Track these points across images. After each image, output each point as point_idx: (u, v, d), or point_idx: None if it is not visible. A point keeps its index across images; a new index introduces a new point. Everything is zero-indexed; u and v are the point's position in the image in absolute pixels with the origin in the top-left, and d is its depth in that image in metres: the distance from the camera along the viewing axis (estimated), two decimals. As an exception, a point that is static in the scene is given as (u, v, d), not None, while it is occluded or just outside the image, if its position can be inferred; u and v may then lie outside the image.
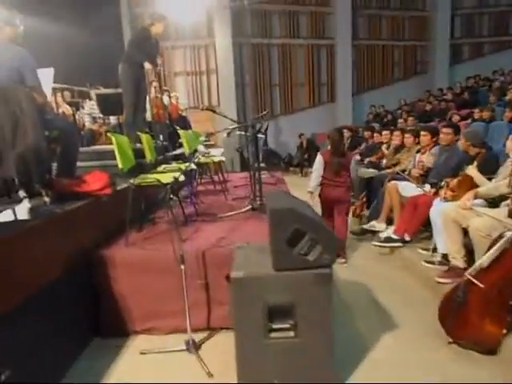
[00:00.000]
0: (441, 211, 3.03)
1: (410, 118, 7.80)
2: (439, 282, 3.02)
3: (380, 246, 4.02)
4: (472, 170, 3.24)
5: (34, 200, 2.70)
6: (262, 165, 4.38)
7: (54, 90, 6.04)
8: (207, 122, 10.59)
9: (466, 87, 10.80)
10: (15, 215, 2.33)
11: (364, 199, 5.33)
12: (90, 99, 6.64)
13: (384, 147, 6.06)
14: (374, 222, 4.57)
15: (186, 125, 7.50)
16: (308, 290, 1.93)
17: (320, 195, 3.85)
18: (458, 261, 2.99)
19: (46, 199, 2.71)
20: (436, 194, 3.75)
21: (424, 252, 3.66)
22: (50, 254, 2.23)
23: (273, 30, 12.12)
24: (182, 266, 2.42)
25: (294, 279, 1.94)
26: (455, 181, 3.46)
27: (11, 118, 2.28)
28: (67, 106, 6.55)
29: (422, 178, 4.34)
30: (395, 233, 3.97)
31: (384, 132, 6.22)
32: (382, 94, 12.93)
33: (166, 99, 7.10)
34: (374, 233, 4.57)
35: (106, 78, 6.82)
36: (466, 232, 3.02)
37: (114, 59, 4.90)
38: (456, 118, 7.78)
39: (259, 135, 3.85)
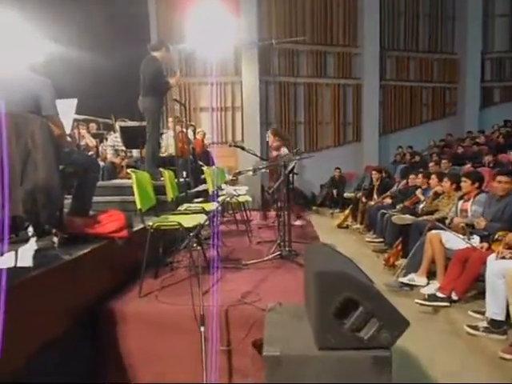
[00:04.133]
0: (507, 272, 2.60)
1: (444, 161, 7.32)
2: (503, 358, 2.53)
3: (424, 305, 3.54)
4: (536, 224, 2.82)
5: (42, 240, 2.44)
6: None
7: (78, 122, 5.97)
8: (230, 157, 10.43)
9: (499, 131, 10.40)
10: (16, 260, 2.04)
11: (399, 247, 4.88)
12: (115, 131, 6.54)
13: (419, 192, 5.66)
14: (412, 275, 4.09)
15: (209, 160, 7.32)
16: (360, 377, 1.54)
17: None
18: (526, 333, 2.53)
19: (55, 240, 2.45)
20: (489, 248, 3.31)
21: (477, 316, 3.16)
22: (48, 310, 1.91)
23: (300, 69, 12.10)
24: (202, 328, 2.07)
25: (341, 362, 1.55)
26: (513, 235, 3.05)
27: (21, 150, 2.03)
28: (91, 138, 6.46)
29: (467, 229, 3.91)
30: (441, 291, 3.49)
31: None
32: (410, 134, 12.57)
33: (190, 134, 6.96)
34: (412, 287, 4.11)
35: (131, 110, 6.76)
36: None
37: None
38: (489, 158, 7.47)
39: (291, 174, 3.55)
